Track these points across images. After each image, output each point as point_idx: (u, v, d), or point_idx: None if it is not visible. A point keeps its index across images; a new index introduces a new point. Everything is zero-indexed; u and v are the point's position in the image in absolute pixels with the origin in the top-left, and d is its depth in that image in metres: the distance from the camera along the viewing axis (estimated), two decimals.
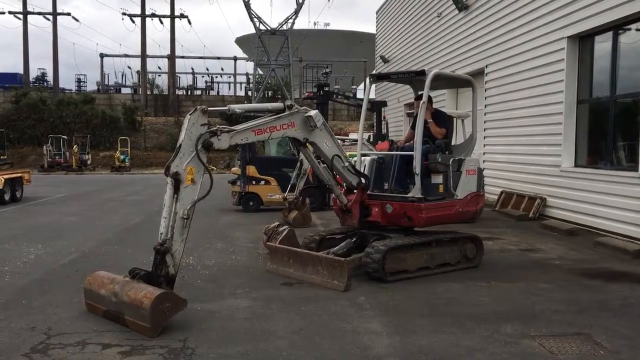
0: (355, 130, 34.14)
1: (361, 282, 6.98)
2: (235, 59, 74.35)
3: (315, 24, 74.38)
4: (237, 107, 6.80)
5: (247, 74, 71.42)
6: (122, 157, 37.68)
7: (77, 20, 55.84)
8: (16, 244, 10.02)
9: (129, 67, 72.08)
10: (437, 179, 7.70)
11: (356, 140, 9.92)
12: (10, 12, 53.00)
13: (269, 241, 8.13)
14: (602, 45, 10.95)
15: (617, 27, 10.32)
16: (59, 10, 52.79)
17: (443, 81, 9.01)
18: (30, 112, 42.25)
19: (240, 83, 74.84)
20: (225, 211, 14.83)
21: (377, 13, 28.66)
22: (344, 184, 7.73)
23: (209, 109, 5.97)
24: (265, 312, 5.88)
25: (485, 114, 15.25)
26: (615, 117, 10.52)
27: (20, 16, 52.65)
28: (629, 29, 10.22)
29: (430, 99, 8.02)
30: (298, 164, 12.79)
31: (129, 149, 39.13)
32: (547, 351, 4.80)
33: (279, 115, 6.68)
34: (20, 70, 56.69)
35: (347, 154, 7.75)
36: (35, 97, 43.95)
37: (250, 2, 46.54)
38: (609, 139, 10.60)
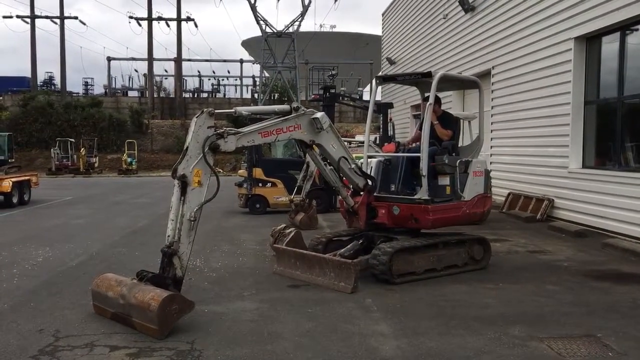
0: (362, 132, 34.13)
1: (368, 284, 6.97)
2: (241, 61, 74.57)
3: (321, 26, 74.33)
4: (244, 110, 6.81)
5: (253, 77, 71.58)
6: (129, 159, 37.85)
7: (84, 23, 56.00)
8: (24, 246, 10.07)
9: (136, 70, 72.38)
10: (444, 180, 7.69)
11: (362, 142, 9.90)
12: (18, 16, 53.30)
13: (276, 243, 8.13)
14: (610, 46, 10.90)
15: (625, 27, 10.27)
16: (65, 14, 53.06)
17: (449, 83, 9.00)
18: (38, 116, 42.52)
19: (247, 85, 75.04)
20: (232, 213, 14.85)
21: (382, 15, 28.64)
22: (351, 186, 7.72)
23: (216, 111, 5.98)
24: (272, 314, 5.88)
25: (492, 116, 15.21)
26: (623, 118, 10.46)
27: (28, 20, 52.95)
28: (637, 30, 10.17)
29: (438, 99, 8.02)
30: (304, 166, 12.79)
31: (136, 152, 39.29)
32: (555, 353, 4.77)
33: (286, 117, 6.69)
34: (28, 74, 57.03)
35: (354, 155, 7.75)
36: (43, 101, 44.22)
37: (256, 5, 46.62)
38: (617, 140, 10.54)
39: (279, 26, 54.19)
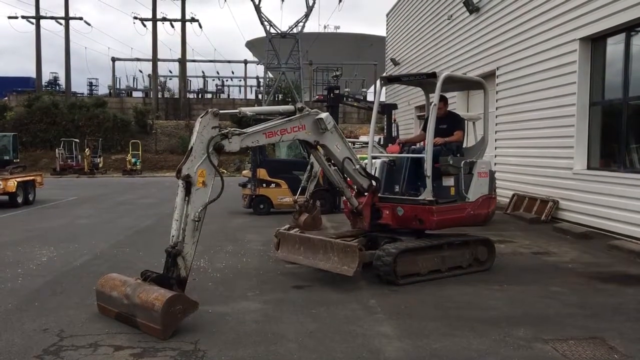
0: (366, 133, 34.10)
1: (372, 285, 6.97)
2: (245, 62, 74.59)
3: (325, 27, 74.47)
4: (248, 110, 6.80)
5: (257, 77, 71.69)
6: (133, 160, 37.93)
7: (89, 24, 56.10)
8: (28, 246, 10.09)
9: (140, 71, 72.44)
10: (449, 181, 7.67)
11: (366, 143, 9.88)
12: (23, 17, 53.45)
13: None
14: (615, 47, 10.86)
15: (630, 28, 10.24)
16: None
17: (454, 83, 8.98)
18: (42, 116, 42.63)
19: (251, 86, 75.10)
20: (236, 214, 14.86)
21: (387, 16, 28.63)
22: (355, 187, 7.71)
23: (220, 111, 5.98)
24: (276, 315, 5.88)
25: (496, 117, 15.17)
26: (628, 119, 10.43)
27: (33, 21, 53.08)
28: None
29: (445, 99, 8.02)
30: (308, 166, 12.77)
31: (140, 152, 39.37)
32: (560, 355, 4.75)
33: (290, 117, 6.68)
34: (32, 74, 57.26)
35: (358, 156, 7.74)
36: (48, 101, 44.33)
37: (260, 6, 46.74)
38: (622, 141, 10.51)
39: (283, 27, 54.23)
